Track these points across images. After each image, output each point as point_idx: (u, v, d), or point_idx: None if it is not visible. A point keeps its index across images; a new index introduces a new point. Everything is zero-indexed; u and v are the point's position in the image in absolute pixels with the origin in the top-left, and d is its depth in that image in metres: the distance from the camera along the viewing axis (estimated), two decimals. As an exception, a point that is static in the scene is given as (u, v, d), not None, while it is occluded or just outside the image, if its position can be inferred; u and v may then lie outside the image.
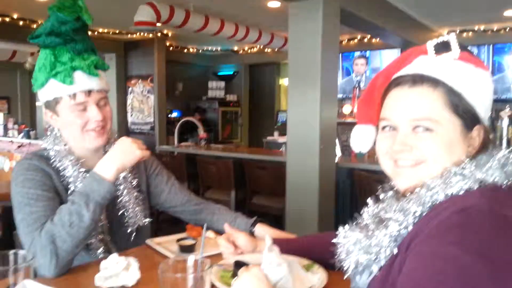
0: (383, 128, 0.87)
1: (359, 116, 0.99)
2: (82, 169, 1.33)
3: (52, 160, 1.32)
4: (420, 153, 0.80)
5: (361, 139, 0.98)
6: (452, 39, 0.83)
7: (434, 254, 0.66)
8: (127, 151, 1.27)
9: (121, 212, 1.38)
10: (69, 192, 1.30)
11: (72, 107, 1.29)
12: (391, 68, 0.89)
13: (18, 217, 1.21)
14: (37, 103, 8.63)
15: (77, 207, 1.17)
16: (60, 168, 1.31)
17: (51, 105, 1.32)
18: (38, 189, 1.23)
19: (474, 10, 5.12)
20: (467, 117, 0.80)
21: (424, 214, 0.75)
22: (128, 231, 1.40)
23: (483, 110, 0.82)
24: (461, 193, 0.74)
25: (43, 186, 1.25)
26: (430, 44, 0.85)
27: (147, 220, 1.46)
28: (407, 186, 0.83)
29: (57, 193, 1.29)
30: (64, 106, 1.30)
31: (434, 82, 0.81)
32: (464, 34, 6.11)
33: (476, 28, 5.99)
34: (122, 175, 1.37)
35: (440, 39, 0.85)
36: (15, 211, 1.23)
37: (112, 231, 1.39)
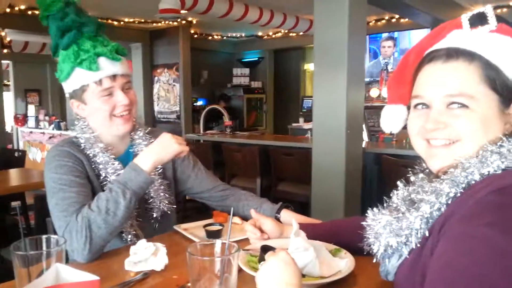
0: (415, 106, 0.83)
1: (389, 96, 0.96)
2: (112, 156, 1.36)
3: (83, 147, 1.35)
4: (455, 132, 0.77)
5: (391, 119, 0.94)
6: (489, 10, 0.79)
7: (468, 235, 0.64)
8: (166, 145, 1.30)
9: (146, 198, 1.41)
10: (101, 178, 1.34)
11: (99, 93, 1.32)
12: (424, 44, 0.86)
13: (51, 202, 1.24)
14: (67, 95, 8.84)
15: (114, 194, 1.20)
16: (90, 155, 1.35)
17: (78, 94, 1.35)
18: (71, 175, 1.27)
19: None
20: (505, 92, 0.76)
21: (458, 194, 0.72)
22: (154, 216, 1.43)
23: None
24: (498, 172, 0.71)
25: (75, 172, 1.28)
26: (465, 17, 0.80)
27: (172, 206, 1.47)
28: (441, 166, 0.79)
29: (88, 179, 1.32)
30: (91, 93, 1.33)
31: (469, 56, 0.77)
32: (499, 10, 5.84)
33: (511, 3, 5.72)
34: None
35: (475, 11, 0.81)
36: (48, 196, 1.26)
37: (140, 216, 1.41)
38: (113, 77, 1.33)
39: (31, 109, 7.77)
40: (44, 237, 0.88)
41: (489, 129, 0.76)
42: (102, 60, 1.32)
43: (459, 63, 0.77)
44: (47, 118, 7.40)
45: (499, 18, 0.79)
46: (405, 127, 0.91)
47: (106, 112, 1.34)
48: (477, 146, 0.76)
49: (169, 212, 1.46)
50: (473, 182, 0.72)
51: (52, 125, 6.97)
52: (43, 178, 1.31)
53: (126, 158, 1.43)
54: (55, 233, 1.35)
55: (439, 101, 0.78)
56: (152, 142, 1.40)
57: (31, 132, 7.38)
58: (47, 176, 1.28)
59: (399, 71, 0.92)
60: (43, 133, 7.04)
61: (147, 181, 1.26)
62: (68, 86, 1.37)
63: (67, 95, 1.41)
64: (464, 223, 0.66)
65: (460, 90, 0.76)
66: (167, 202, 1.45)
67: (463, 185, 0.73)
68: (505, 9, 5.82)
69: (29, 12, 5.72)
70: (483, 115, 0.76)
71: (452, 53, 0.78)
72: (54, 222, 1.24)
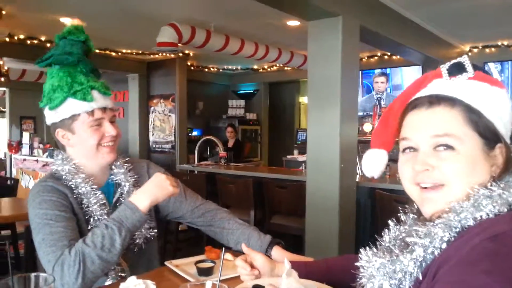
0: (404, 150, 0.85)
1: (373, 141, 0.98)
2: (94, 186, 1.38)
3: (65, 178, 1.36)
4: (442, 175, 0.78)
5: (372, 163, 0.97)
6: (465, 60, 0.84)
7: (465, 283, 0.64)
8: (162, 186, 1.32)
9: None
10: (84, 208, 1.34)
11: (90, 123, 1.37)
12: (407, 93, 0.89)
13: (37, 238, 1.23)
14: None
15: (110, 231, 1.20)
16: (73, 186, 1.35)
17: (66, 123, 1.38)
18: (56, 210, 1.27)
19: (496, 26, 5.05)
20: (488, 135, 0.79)
21: (452, 239, 0.73)
22: (136, 242, 1.41)
23: (503, 128, 0.81)
24: (490, 216, 0.71)
25: (61, 207, 1.28)
26: (444, 67, 0.84)
27: (154, 232, 1.47)
28: (434, 211, 0.80)
29: (73, 212, 1.32)
30: (81, 123, 1.37)
31: (451, 101, 0.80)
32: (487, 50, 6.02)
33: (499, 43, 5.90)
34: (125, 188, 1.44)
35: (453, 61, 0.85)
36: (34, 232, 1.25)
37: None
38: (104, 109, 1.39)
39: (26, 136, 7.73)
40: (33, 275, 0.87)
41: (475, 171, 0.78)
42: (95, 93, 1.38)
43: (441, 108, 0.80)
44: (41, 145, 7.36)
45: (476, 67, 0.83)
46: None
47: (94, 142, 1.37)
48: (465, 188, 0.77)
49: (152, 239, 1.46)
50: (467, 226, 0.72)
51: (46, 153, 6.93)
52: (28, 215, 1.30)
53: (107, 188, 1.45)
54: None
55: (426, 143, 0.80)
56: (130, 171, 1.46)
57: (24, 159, 7.33)
58: (32, 213, 1.28)
59: (384, 118, 0.95)
60: (37, 160, 7.00)
61: (141, 220, 1.27)
62: (57, 115, 1.38)
63: (49, 124, 1.43)
64: (460, 270, 0.66)
65: (446, 131, 0.78)
66: (148, 227, 1.44)
67: (457, 229, 0.73)
68: (493, 49, 5.99)
69: (28, 42, 5.81)
70: (469, 157, 0.77)
71: (434, 100, 0.82)
72: (41, 258, 1.22)
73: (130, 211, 1.25)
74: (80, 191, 1.35)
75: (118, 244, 1.20)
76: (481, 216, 0.72)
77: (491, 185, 0.75)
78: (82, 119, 1.36)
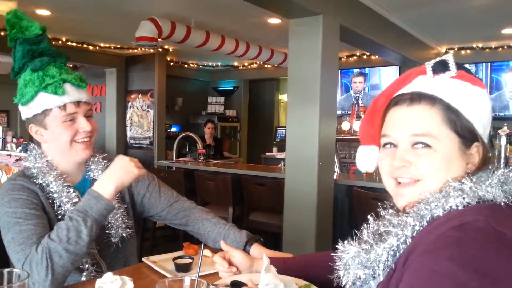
0: (384, 145, 0.88)
1: (362, 137, 1.01)
2: (66, 184, 1.33)
3: (35, 176, 1.32)
4: (418, 171, 0.82)
5: (365, 159, 0.99)
6: (450, 58, 0.86)
7: (431, 269, 0.66)
8: (126, 170, 1.27)
9: (105, 224, 1.36)
10: (55, 207, 1.30)
11: (62, 118, 1.31)
12: (391, 89, 0.91)
13: (7, 237, 1.19)
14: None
15: (75, 223, 1.16)
16: (44, 184, 1.31)
17: (39, 118, 1.33)
18: (26, 208, 1.23)
19: (472, 28, 5.19)
20: (465, 134, 0.82)
21: (422, 228, 0.76)
22: (113, 241, 1.39)
23: (482, 127, 0.83)
24: (459, 208, 0.74)
25: (30, 205, 1.24)
26: (429, 64, 0.86)
27: (131, 231, 1.44)
28: (406, 203, 0.84)
29: (44, 210, 1.28)
30: (54, 118, 1.31)
31: (431, 100, 0.82)
32: (463, 52, 6.17)
33: (474, 45, 6.05)
34: None
35: (438, 59, 0.87)
36: (3, 231, 1.22)
37: (98, 244, 1.37)
38: (77, 103, 1.33)
39: (-2, 131, 7.52)
40: (6, 270, 0.85)
41: (451, 169, 0.80)
42: (67, 86, 1.32)
43: (422, 106, 0.83)
44: (14, 140, 7.17)
45: (459, 66, 0.86)
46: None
47: (67, 138, 1.32)
48: (440, 184, 0.80)
49: (128, 237, 1.43)
50: (436, 216, 0.75)
51: (20, 148, 6.75)
52: None
53: (83, 185, 1.40)
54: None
55: (405, 140, 0.83)
56: (106, 167, 1.38)
57: (-4, 154, 7.12)
58: (1, 211, 1.23)
59: (369, 114, 0.97)
60: (10, 155, 6.81)
61: (108, 208, 1.22)
62: (29, 111, 1.34)
63: (24, 119, 1.38)
64: (427, 257, 0.69)
65: (423, 130, 0.81)
66: (125, 226, 1.41)
67: (427, 219, 0.76)
68: (468, 51, 6.15)
69: (1, 33, 5.65)
70: (445, 155, 0.80)
71: (415, 97, 0.84)
72: (11, 257, 1.18)
73: (94, 200, 1.21)
74: (51, 189, 1.31)
75: (84, 235, 1.16)
76: (450, 207, 0.75)
77: (463, 179, 0.78)
78: (54, 114, 1.31)
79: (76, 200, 1.33)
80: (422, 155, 0.81)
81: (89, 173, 1.43)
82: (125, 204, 1.46)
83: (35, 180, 1.31)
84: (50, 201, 1.31)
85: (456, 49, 6.19)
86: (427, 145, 0.81)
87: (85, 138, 1.35)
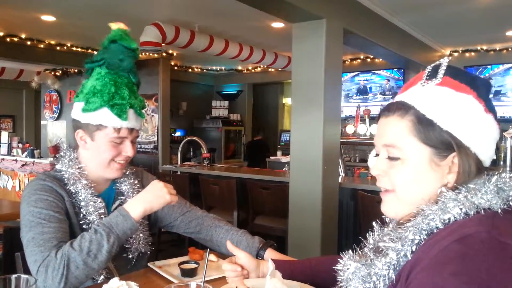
0: (376, 155, 0.90)
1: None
2: (95, 193, 1.36)
3: (66, 182, 1.34)
4: (390, 182, 0.84)
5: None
6: (443, 62, 0.84)
7: (434, 285, 0.65)
8: (159, 195, 1.30)
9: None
10: (80, 215, 1.32)
11: (112, 138, 1.34)
12: (398, 94, 0.91)
13: (27, 235, 1.21)
14: (42, 122, 8.70)
15: (99, 237, 1.18)
16: (72, 191, 1.33)
17: (91, 128, 1.35)
18: (51, 210, 1.24)
19: (476, 30, 5.18)
20: (438, 145, 0.79)
21: (422, 241, 0.75)
22: (130, 257, 1.40)
23: (466, 135, 0.79)
24: (458, 219, 0.73)
25: (55, 208, 1.26)
26: (426, 70, 0.85)
27: (150, 248, 1.46)
28: (388, 214, 0.86)
29: (67, 215, 1.30)
30: (104, 135, 1.34)
31: (404, 111, 0.82)
32: (467, 54, 6.16)
33: (478, 48, 6.04)
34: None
35: (434, 64, 0.85)
36: (24, 229, 1.23)
37: (115, 257, 1.38)
38: (131, 130, 1.37)
39: (4, 136, 7.56)
40: (13, 276, 0.85)
41: (422, 180, 0.80)
42: (130, 112, 1.36)
43: (394, 117, 0.83)
44: (20, 145, 7.21)
45: (450, 70, 0.83)
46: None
47: (109, 157, 1.36)
48: (413, 195, 0.81)
49: (148, 253, 1.45)
50: (435, 228, 0.74)
51: (25, 153, 6.79)
52: (19, 210, 1.28)
53: (107, 194, 1.43)
54: (24, 268, 1.31)
55: (381, 150, 0.86)
56: (135, 183, 1.45)
57: (3, 159, 7.16)
58: (25, 209, 1.25)
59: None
60: (16, 160, 6.85)
61: (132, 228, 1.25)
62: (84, 117, 1.35)
63: (74, 118, 1.39)
64: (430, 272, 0.68)
65: (391, 141, 0.83)
66: (144, 243, 1.43)
67: (426, 232, 0.75)
68: (473, 53, 6.14)
69: (8, 39, 5.69)
70: (414, 166, 0.80)
71: (392, 108, 0.85)
72: (27, 256, 1.19)
73: (122, 218, 1.23)
74: (79, 197, 1.33)
75: (105, 251, 1.17)
76: (448, 219, 0.73)
77: (458, 190, 0.76)
78: (106, 132, 1.33)
79: (102, 211, 1.35)
80: (394, 165, 0.83)
81: (117, 184, 1.45)
82: (146, 221, 1.48)
83: (64, 184, 1.33)
84: (76, 208, 1.32)
85: (460, 51, 6.18)
86: (396, 157, 0.82)
87: (122, 160, 1.39)
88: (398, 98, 0.87)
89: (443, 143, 0.79)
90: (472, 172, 0.79)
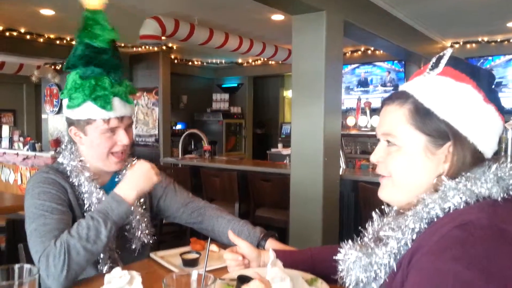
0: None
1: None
2: (98, 185, 1.36)
3: (68, 175, 1.35)
4: (386, 169, 0.86)
5: None
6: (447, 53, 0.84)
7: (436, 269, 0.67)
8: (147, 177, 1.32)
9: (128, 229, 1.40)
10: (85, 207, 1.33)
11: (103, 130, 1.33)
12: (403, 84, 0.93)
13: (31, 227, 1.22)
14: (43, 116, 8.71)
15: (96, 223, 1.20)
16: (75, 184, 1.34)
17: (81, 124, 1.35)
18: (53, 203, 1.26)
19: (477, 22, 5.15)
20: (434, 133, 0.80)
21: (423, 230, 0.76)
22: (133, 247, 1.41)
23: (464, 124, 0.79)
24: (459, 207, 0.74)
25: (58, 200, 1.28)
26: (432, 61, 0.86)
27: (153, 238, 1.47)
28: (384, 198, 0.88)
29: (70, 207, 1.31)
30: (95, 128, 1.33)
31: (403, 99, 0.84)
32: (468, 46, 6.13)
33: (479, 39, 6.01)
34: None
35: (438, 55, 0.86)
36: (27, 221, 1.24)
37: (119, 247, 1.39)
38: (121, 118, 1.35)
39: (5, 130, 7.57)
40: (16, 266, 0.86)
41: (417, 168, 0.82)
42: (116, 101, 1.33)
43: (393, 106, 0.85)
44: (21, 139, 7.23)
45: (452, 61, 0.83)
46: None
47: (105, 150, 1.35)
48: (408, 182, 0.83)
49: (150, 244, 1.46)
50: (435, 217, 0.75)
51: (27, 146, 6.81)
52: (23, 203, 1.29)
53: (110, 186, 1.42)
54: (27, 258, 1.33)
55: (381, 138, 0.88)
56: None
57: (4, 153, 7.18)
58: (29, 202, 1.27)
59: None
60: (17, 154, 6.87)
61: (128, 212, 1.27)
62: (73, 113, 1.35)
63: (65, 115, 1.39)
64: (431, 257, 0.69)
65: (389, 130, 0.85)
66: (147, 233, 1.44)
67: (426, 220, 0.76)
68: (474, 45, 6.11)
69: (7, 33, 5.68)
70: (410, 154, 0.82)
71: (394, 96, 0.87)
72: (30, 248, 1.21)
73: (116, 203, 1.25)
74: (82, 189, 1.34)
75: (103, 236, 1.20)
76: (449, 207, 0.74)
77: (458, 178, 0.77)
78: (96, 125, 1.33)
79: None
80: (391, 153, 0.85)
81: (119, 176, 1.45)
82: (148, 212, 1.49)
83: (67, 177, 1.34)
84: (80, 200, 1.34)
85: (461, 43, 6.15)
86: (393, 144, 0.84)
87: (121, 151, 1.38)
88: (401, 88, 0.89)
89: (439, 132, 0.80)
90: (466, 162, 0.79)
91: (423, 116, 0.81)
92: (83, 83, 1.31)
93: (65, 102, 1.36)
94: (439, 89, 0.81)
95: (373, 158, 0.89)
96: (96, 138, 1.34)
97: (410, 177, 0.83)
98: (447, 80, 0.81)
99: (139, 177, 1.31)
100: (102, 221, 1.20)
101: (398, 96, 0.86)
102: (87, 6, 1.33)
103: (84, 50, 1.32)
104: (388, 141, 0.86)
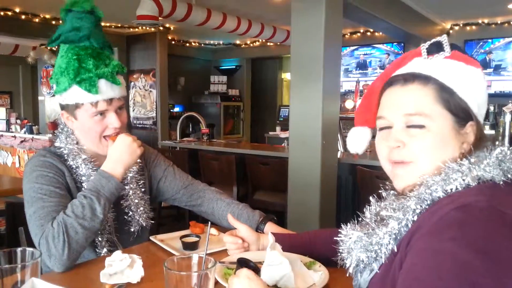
0: (380, 128, 0.89)
1: (357, 120, 1.02)
2: (94, 168, 1.36)
3: (65, 158, 1.35)
4: (410, 152, 0.82)
5: (356, 140, 1.02)
6: (444, 39, 0.86)
7: (433, 250, 0.67)
8: (131, 151, 1.32)
9: (126, 212, 1.41)
10: (82, 190, 1.33)
11: (92, 113, 1.32)
12: (388, 71, 0.93)
13: (30, 210, 1.23)
14: (40, 98, 8.65)
15: (89, 200, 1.21)
16: (73, 166, 1.35)
17: (70, 108, 1.35)
18: (51, 186, 1.27)
19: (478, 3, 5.09)
20: (459, 112, 0.82)
21: (424, 211, 0.77)
22: (132, 230, 1.42)
23: (476, 107, 0.83)
24: (459, 189, 0.75)
25: (56, 183, 1.28)
26: (424, 46, 0.87)
27: (151, 221, 1.48)
28: (404, 186, 0.84)
29: (68, 190, 1.32)
30: (84, 112, 1.33)
31: (425, 79, 0.83)
32: (468, 28, 6.08)
33: (480, 21, 5.96)
34: (130, 175, 1.42)
35: (432, 41, 0.87)
36: (26, 205, 1.25)
37: (118, 230, 1.40)
38: (110, 100, 1.33)
39: (2, 112, 7.53)
40: (19, 249, 0.87)
41: (444, 148, 0.81)
42: (102, 83, 1.31)
43: (415, 85, 0.83)
44: (18, 121, 7.20)
45: (454, 46, 0.86)
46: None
47: (96, 133, 1.34)
48: (433, 165, 0.80)
49: (148, 227, 1.47)
50: (437, 198, 0.76)
51: (24, 129, 6.78)
52: (20, 190, 1.30)
53: None
54: (28, 241, 1.34)
55: (399, 120, 0.84)
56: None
57: (1, 135, 7.16)
58: (27, 186, 1.27)
59: (366, 97, 0.98)
60: (14, 136, 6.84)
61: (118, 188, 1.28)
62: (62, 98, 1.35)
63: (58, 102, 1.40)
64: (429, 238, 0.70)
65: (417, 109, 0.82)
66: (146, 216, 1.45)
67: (428, 202, 0.77)
68: (474, 27, 6.06)
69: (1, 13, 5.59)
70: (439, 134, 0.81)
71: (409, 77, 0.85)
72: (30, 231, 1.23)
73: (106, 180, 1.26)
74: (80, 172, 1.34)
75: (99, 213, 1.21)
76: (451, 189, 0.75)
77: (461, 160, 0.78)
78: (85, 108, 1.32)
79: None
80: (416, 135, 0.82)
81: None
82: (148, 195, 1.49)
83: (64, 161, 1.34)
84: (78, 183, 1.34)
85: (461, 25, 6.10)
86: (420, 126, 0.81)
87: (114, 133, 1.36)
88: (403, 70, 0.87)
89: (463, 111, 0.82)
90: (486, 140, 0.82)
91: (448, 96, 0.82)
92: (67, 67, 1.29)
93: (54, 87, 1.36)
94: (455, 71, 0.83)
95: (393, 143, 0.83)
96: (87, 122, 1.33)
97: (436, 158, 0.80)
98: (459, 63, 0.84)
99: (122, 151, 1.31)
100: (95, 198, 1.22)
101: (413, 77, 0.84)
102: None
103: (69, 20, 1.32)
104: (411, 123, 0.82)
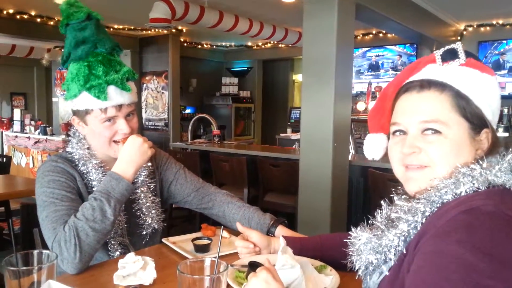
0: (394, 133, 0.89)
1: (371, 126, 1.02)
2: (105, 172, 1.38)
3: (76, 163, 1.37)
4: (428, 157, 0.82)
5: (373, 147, 1.01)
6: (459, 46, 0.86)
7: (440, 252, 0.68)
8: (142, 152, 1.33)
9: (138, 215, 1.43)
10: (93, 192, 1.35)
11: (102, 119, 1.34)
12: (401, 77, 0.93)
13: (42, 214, 1.25)
14: (54, 99, 8.77)
15: (99, 203, 1.22)
16: (84, 171, 1.37)
17: (81, 114, 1.37)
18: (63, 190, 1.29)
19: (492, 4, 5.03)
20: (475, 120, 0.82)
21: (433, 213, 0.77)
22: (144, 233, 1.44)
23: (491, 114, 0.84)
24: (469, 193, 0.75)
25: (68, 188, 1.30)
26: (438, 53, 0.87)
27: (163, 224, 1.49)
28: (416, 190, 0.84)
29: (79, 194, 1.34)
30: (94, 117, 1.35)
31: (441, 86, 0.83)
32: (482, 29, 6.01)
33: (494, 22, 5.88)
34: (140, 178, 1.43)
35: (446, 47, 0.87)
36: (39, 209, 1.28)
37: (130, 233, 1.42)
38: (119, 106, 1.34)
39: (17, 113, 7.65)
40: (35, 252, 0.89)
41: (460, 154, 0.81)
42: (111, 89, 1.32)
43: (431, 93, 0.83)
44: (32, 122, 7.31)
45: (468, 53, 0.86)
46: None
47: (105, 138, 1.36)
48: (448, 171, 0.81)
49: (160, 229, 1.48)
50: (446, 201, 0.77)
51: (38, 130, 6.89)
52: (34, 190, 1.32)
53: None
54: (42, 243, 1.36)
55: (415, 127, 0.84)
56: (150, 161, 1.43)
57: (16, 136, 7.28)
58: (39, 190, 1.30)
59: (379, 102, 0.98)
60: (29, 137, 6.95)
61: (128, 189, 1.29)
62: (72, 104, 1.38)
63: (59, 101, 1.43)
64: (437, 240, 0.70)
65: (433, 116, 0.82)
66: (158, 219, 1.46)
67: (437, 204, 0.77)
68: (488, 28, 5.98)
69: (18, 16, 5.69)
70: (455, 141, 0.81)
71: (425, 84, 0.85)
72: (44, 234, 1.25)
73: (116, 181, 1.27)
74: (91, 177, 1.36)
75: (109, 214, 1.22)
76: (460, 192, 0.76)
77: (473, 165, 0.78)
78: (95, 114, 1.34)
79: None
80: (432, 141, 0.82)
81: None
82: (159, 198, 1.50)
83: (75, 166, 1.36)
84: (89, 187, 1.36)
85: (475, 26, 6.02)
86: (436, 131, 0.81)
87: (124, 139, 1.37)
88: (418, 77, 0.87)
89: (479, 118, 0.82)
90: (500, 145, 0.82)
91: (464, 103, 0.82)
92: (78, 73, 1.32)
93: (65, 93, 1.39)
94: (471, 79, 0.83)
95: (408, 149, 0.83)
96: (96, 127, 1.35)
97: (452, 164, 0.80)
98: (474, 71, 0.84)
99: (133, 152, 1.32)
100: (105, 200, 1.23)
101: (429, 84, 0.84)
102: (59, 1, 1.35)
103: (69, 35, 1.34)
104: (428, 129, 0.82)
